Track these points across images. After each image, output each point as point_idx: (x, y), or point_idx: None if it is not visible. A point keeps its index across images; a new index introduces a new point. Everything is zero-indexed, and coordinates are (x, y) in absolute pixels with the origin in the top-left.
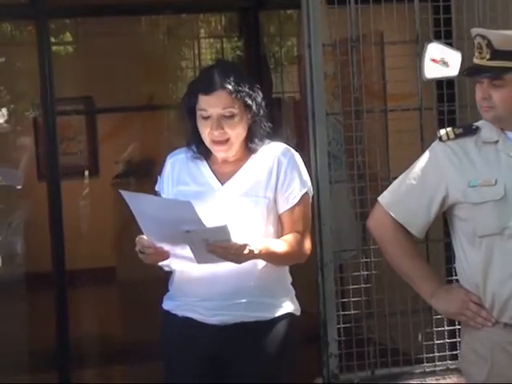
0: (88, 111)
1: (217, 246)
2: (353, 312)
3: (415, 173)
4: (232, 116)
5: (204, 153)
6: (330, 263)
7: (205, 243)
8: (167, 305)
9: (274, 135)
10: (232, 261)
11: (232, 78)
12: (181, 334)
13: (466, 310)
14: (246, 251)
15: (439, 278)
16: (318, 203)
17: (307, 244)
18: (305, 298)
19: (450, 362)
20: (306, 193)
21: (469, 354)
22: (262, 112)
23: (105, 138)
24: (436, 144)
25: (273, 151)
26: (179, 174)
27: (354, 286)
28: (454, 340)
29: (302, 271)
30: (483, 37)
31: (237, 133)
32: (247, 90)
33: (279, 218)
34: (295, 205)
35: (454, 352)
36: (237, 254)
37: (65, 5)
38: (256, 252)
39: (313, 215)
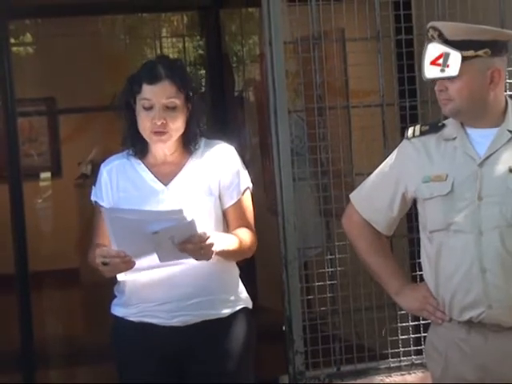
0: (50, 112)
1: (187, 242)
2: (318, 309)
3: (380, 170)
4: (174, 108)
5: (139, 151)
6: (294, 260)
7: (171, 241)
8: (119, 311)
9: (227, 133)
10: (200, 256)
11: (177, 71)
12: (139, 338)
13: (427, 304)
14: (210, 241)
15: (405, 275)
16: (281, 201)
17: (254, 239)
18: (270, 296)
19: (414, 357)
20: (248, 187)
21: (430, 350)
22: (198, 110)
23: (67, 138)
24: (403, 142)
25: (213, 149)
26: (118, 181)
27: (319, 283)
28: (419, 335)
29: (267, 268)
30: (434, 28)
31: (177, 126)
32: (190, 84)
33: (224, 215)
34: (239, 200)
35: (419, 347)
36: (205, 247)
37: (24, 5)
38: (217, 249)
39: (276, 213)
